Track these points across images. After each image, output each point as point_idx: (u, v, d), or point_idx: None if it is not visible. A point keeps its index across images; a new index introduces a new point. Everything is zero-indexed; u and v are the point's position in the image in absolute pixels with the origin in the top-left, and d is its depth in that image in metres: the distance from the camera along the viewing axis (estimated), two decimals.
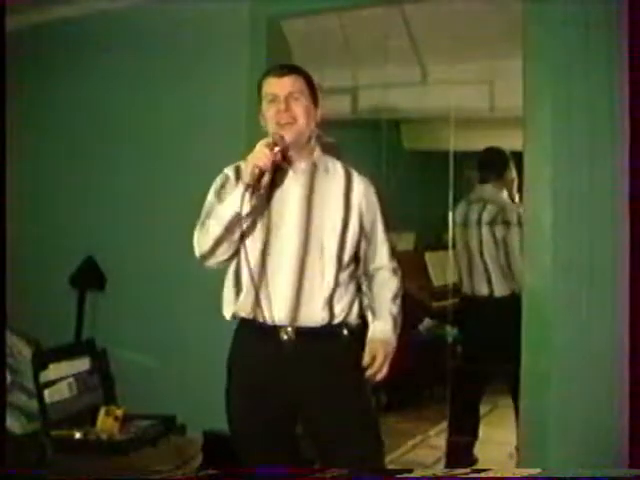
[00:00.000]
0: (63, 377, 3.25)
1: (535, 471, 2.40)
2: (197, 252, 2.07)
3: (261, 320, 2.07)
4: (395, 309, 2.21)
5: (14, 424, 3.16)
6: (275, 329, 2.06)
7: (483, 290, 3.48)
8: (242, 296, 2.08)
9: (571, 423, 2.65)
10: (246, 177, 1.98)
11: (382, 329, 2.18)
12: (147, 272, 3.61)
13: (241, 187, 1.97)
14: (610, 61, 2.59)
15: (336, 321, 2.11)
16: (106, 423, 3.10)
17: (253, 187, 1.96)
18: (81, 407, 3.27)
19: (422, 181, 4.56)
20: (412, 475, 2.22)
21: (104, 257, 3.70)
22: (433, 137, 4.35)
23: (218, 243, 2.02)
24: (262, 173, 1.98)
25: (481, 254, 3.49)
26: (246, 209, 1.97)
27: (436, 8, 3.22)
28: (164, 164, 3.58)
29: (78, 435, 3.05)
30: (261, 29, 3.31)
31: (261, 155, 1.99)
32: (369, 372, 2.12)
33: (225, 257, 2.06)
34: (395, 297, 2.23)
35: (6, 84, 2.51)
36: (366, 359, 2.13)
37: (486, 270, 3.47)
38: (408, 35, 3.40)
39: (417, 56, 3.50)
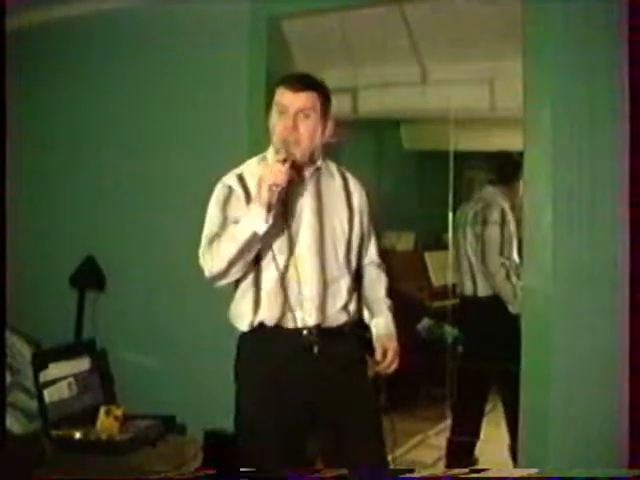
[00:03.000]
0: (63, 377, 3.25)
1: (535, 471, 2.41)
2: (207, 273, 2.05)
3: (286, 326, 2.09)
4: (389, 303, 2.31)
5: (14, 424, 3.15)
6: (299, 332, 2.09)
7: (468, 289, 3.50)
8: (264, 306, 2.09)
9: (571, 423, 2.65)
10: (264, 197, 1.95)
11: (385, 324, 2.27)
12: (147, 272, 3.60)
13: (259, 206, 1.96)
14: (610, 61, 2.59)
15: (350, 320, 2.18)
16: (106, 423, 3.09)
17: (272, 206, 1.96)
18: (81, 407, 3.26)
19: (422, 181, 4.56)
20: (412, 475, 2.22)
21: (104, 257, 3.69)
22: (433, 137, 4.35)
23: (232, 264, 2.01)
24: (280, 191, 1.98)
25: (466, 252, 3.52)
26: (265, 227, 1.97)
27: (436, 8, 3.22)
28: (164, 163, 3.57)
29: (78, 435, 3.04)
30: (261, 29, 3.30)
31: (277, 172, 1.96)
32: (382, 366, 2.21)
33: (237, 277, 2.07)
34: (387, 292, 2.33)
35: (6, 84, 2.51)
36: (378, 355, 2.21)
37: (471, 269, 3.49)
38: (408, 35, 3.40)
39: (417, 56, 3.50)
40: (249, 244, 1.98)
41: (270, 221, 1.96)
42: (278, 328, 2.09)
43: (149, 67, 3.64)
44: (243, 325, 2.13)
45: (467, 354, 3.64)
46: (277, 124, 2.08)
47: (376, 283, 2.32)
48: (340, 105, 3.76)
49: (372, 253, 2.32)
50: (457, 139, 3.72)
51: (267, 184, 1.95)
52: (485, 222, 3.43)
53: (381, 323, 2.27)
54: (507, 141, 3.56)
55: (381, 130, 3.95)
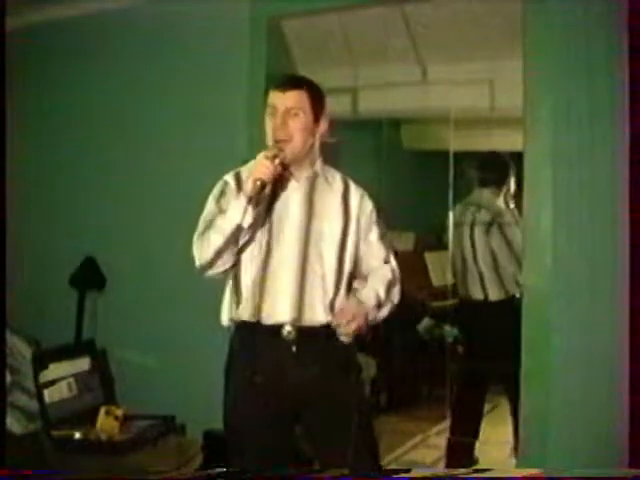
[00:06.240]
0: (63, 377, 3.25)
1: (535, 471, 2.40)
2: (197, 263, 2.09)
3: (264, 322, 2.09)
4: (382, 291, 2.14)
5: (14, 424, 3.16)
6: (277, 329, 2.08)
7: (477, 294, 3.47)
8: (243, 301, 2.10)
9: (571, 423, 2.65)
10: (248, 189, 2.00)
11: (360, 294, 2.12)
12: (147, 272, 3.61)
13: (242, 199, 1.99)
14: (610, 61, 2.59)
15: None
16: (106, 423, 3.09)
17: (255, 199, 1.99)
18: (81, 407, 3.27)
19: (422, 181, 4.56)
20: (412, 475, 2.22)
21: (104, 257, 3.70)
22: (433, 137, 4.35)
23: (218, 254, 2.04)
24: (264, 185, 2.00)
25: (474, 259, 3.49)
26: (248, 221, 1.99)
27: (436, 8, 3.22)
28: (164, 164, 3.58)
29: (78, 435, 3.04)
30: (261, 29, 3.31)
31: (262, 168, 2.01)
32: (334, 322, 2.06)
33: (224, 268, 2.09)
34: (387, 285, 2.16)
35: (6, 84, 2.51)
36: (336, 312, 2.07)
37: (480, 275, 3.46)
38: (408, 35, 3.39)
39: (417, 56, 3.50)
40: (234, 235, 2.01)
41: (251, 213, 1.98)
42: (257, 324, 2.09)
43: (149, 67, 3.65)
44: (224, 319, 2.15)
45: (472, 357, 3.59)
46: (268, 125, 2.11)
47: (375, 277, 2.17)
48: (340, 105, 3.77)
49: (376, 261, 2.20)
50: (457, 139, 3.72)
51: (252, 178, 1.99)
52: (502, 230, 3.40)
53: (357, 292, 2.13)
54: (507, 141, 3.56)
55: (381, 130, 3.95)
